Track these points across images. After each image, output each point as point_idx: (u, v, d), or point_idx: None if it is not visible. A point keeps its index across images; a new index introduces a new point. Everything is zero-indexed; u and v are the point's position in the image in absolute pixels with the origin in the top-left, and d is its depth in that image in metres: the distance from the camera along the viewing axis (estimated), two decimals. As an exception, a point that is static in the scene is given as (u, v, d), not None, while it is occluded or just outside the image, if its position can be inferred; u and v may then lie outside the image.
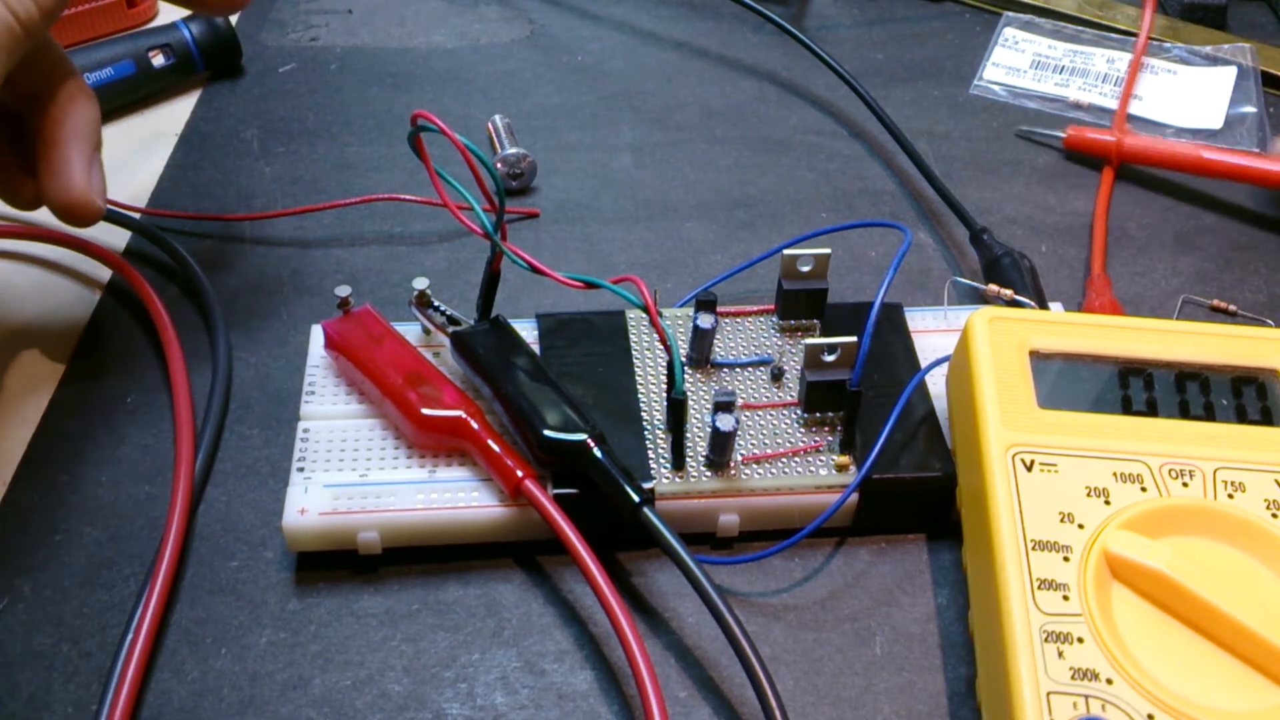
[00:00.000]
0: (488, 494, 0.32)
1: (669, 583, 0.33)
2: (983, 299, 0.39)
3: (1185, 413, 0.31)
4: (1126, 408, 0.31)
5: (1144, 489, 0.30)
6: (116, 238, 0.43)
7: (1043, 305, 0.39)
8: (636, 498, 0.31)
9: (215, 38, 0.51)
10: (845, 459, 0.33)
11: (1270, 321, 0.41)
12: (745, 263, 0.41)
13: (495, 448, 0.32)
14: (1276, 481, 0.30)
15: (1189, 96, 0.51)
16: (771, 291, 0.37)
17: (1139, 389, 0.32)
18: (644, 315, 0.36)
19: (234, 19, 0.53)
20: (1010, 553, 0.28)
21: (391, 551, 0.32)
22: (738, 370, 0.36)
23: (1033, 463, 0.30)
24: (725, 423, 0.32)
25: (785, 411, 0.34)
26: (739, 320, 0.37)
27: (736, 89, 0.52)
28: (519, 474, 0.31)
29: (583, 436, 0.32)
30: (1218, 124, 0.50)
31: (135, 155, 0.47)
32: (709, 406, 0.34)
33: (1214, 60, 0.53)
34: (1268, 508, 0.29)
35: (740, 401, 0.34)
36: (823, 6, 0.58)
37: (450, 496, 0.32)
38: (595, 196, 0.46)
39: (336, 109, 0.50)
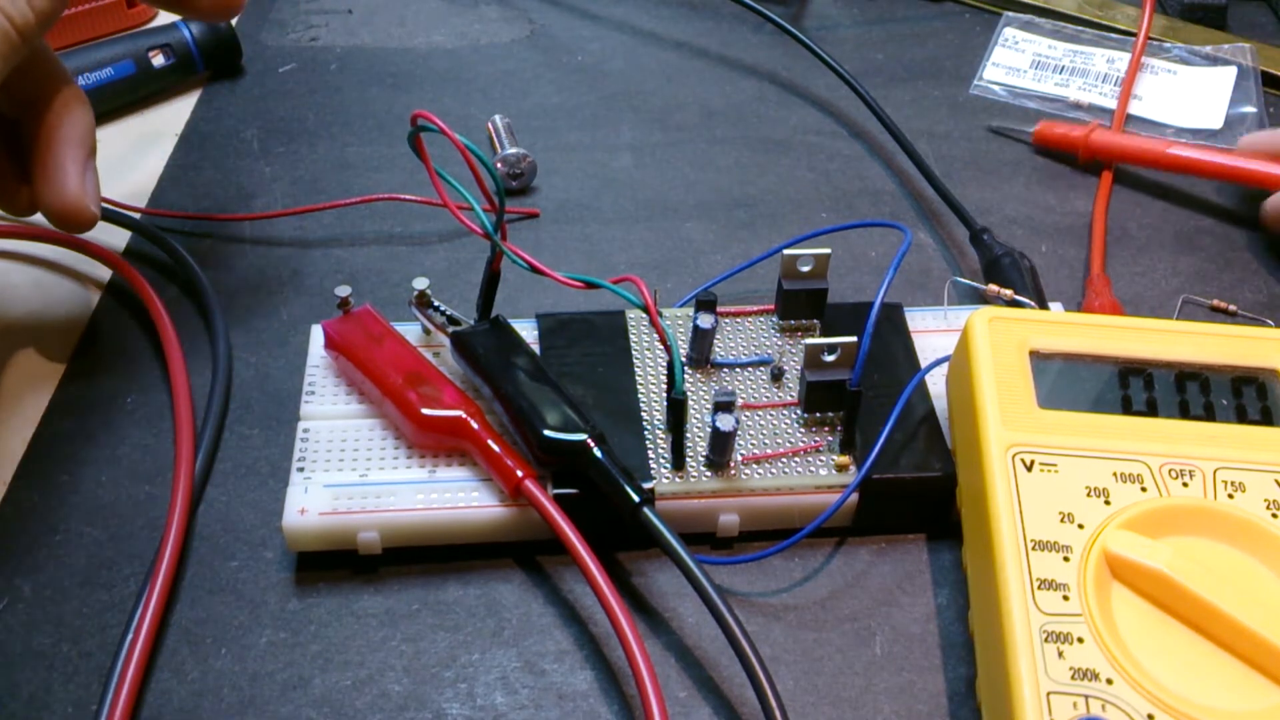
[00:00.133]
0: (488, 494, 0.32)
1: (669, 583, 0.33)
2: (983, 299, 0.39)
3: (1185, 413, 0.31)
4: (1126, 408, 0.31)
5: (1144, 489, 0.30)
6: (116, 237, 0.43)
7: (1043, 305, 0.39)
8: (636, 498, 0.31)
9: (215, 38, 0.51)
10: (845, 459, 0.33)
11: (1270, 321, 0.41)
12: (745, 263, 0.41)
13: (495, 448, 0.32)
14: (1276, 481, 0.30)
15: (1189, 96, 0.51)
16: (771, 291, 0.37)
17: (1139, 389, 0.32)
18: (644, 315, 0.36)
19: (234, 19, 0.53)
20: (1010, 553, 0.28)
21: (391, 551, 0.32)
22: (738, 370, 0.36)
23: (1033, 463, 0.30)
24: (725, 423, 0.32)
25: (785, 411, 0.34)
26: (739, 320, 0.37)
27: (736, 89, 0.52)
28: (519, 474, 0.31)
29: (583, 436, 0.32)
30: (1218, 124, 0.50)
31: (135, 155, 0.47)
32: (709, 406, 0.34)
33: (1214, 60, 0.53)
34: (1268, 508, 0.29)
35: (740, 401, 0.34)
36: (823, 6, 0.58)
37: (450, 496, 0.32)
38: (595, 196, 0.46)
39: (336, 109, 0.50)
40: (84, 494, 0.34)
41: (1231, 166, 0.45)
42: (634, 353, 0.36)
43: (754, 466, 0.33)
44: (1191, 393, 0.32)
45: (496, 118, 0.48)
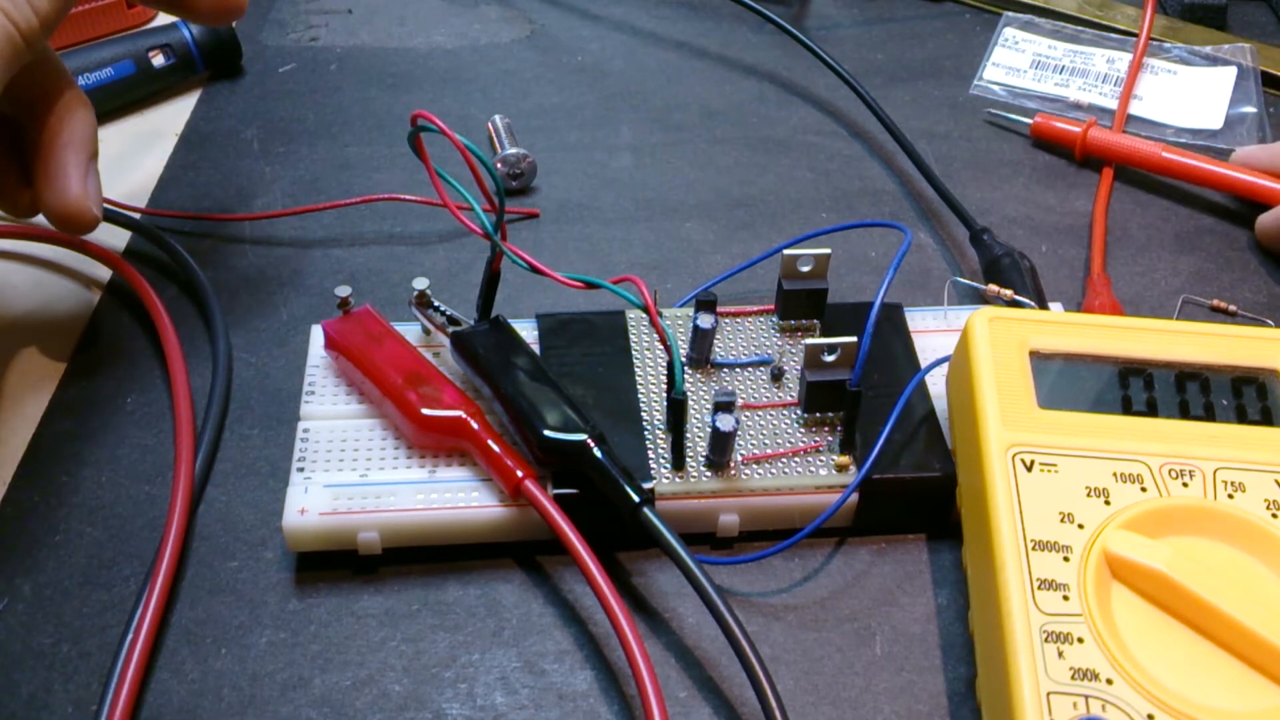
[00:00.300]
0: (488, 494, 0.32)
1: (669, 583, 0.33)
2: (983, 299, 0.39)
3: (1185, 413, 0.31)
4: (1126, 408, 0.31)
5: (1144, 489, 0.30)
6: (116, 237, 0.43)
7: (1043, 305, 0.39)
8: (636, 498, 0.31)
9: (215, 38, 0.51)
10: (845, 459, 0.33)
11: (1270, 321, 0.41)
12: (745, 263, 0.41)
13: (495, 448, 0.32)
14: (1276, 481, 0.30)
15: (1189, 96, 0.51)
16: (771, 291, 0.37)
17: (1139, 389, 0.32)
18: (644, 315, 0.36)
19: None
20: (1010, 553, 0.28)
21: (391, 551, 0.32)
22: (738, 370, 0.36)
23: (1033, 463, 0.30)
24: (725, 423, 0.32)
25: (785, 411, 0.34)
26: (739, 320, 0.37)
27: (736, 89, 0.52)
28: (519, 474, 0.31)
29: (583, 436, 0.32)
30: (1218, 124, 0.50)
31: (135, 155, 0.47)
32: (709, 406, 0.34)
33: (1214, 60, 0.53)
34: (1268, 508, 0.29)
35: (740, 401, 0.34)
36: (823, 6, 0.58)
37: (450, 496, 0.32)
38: (595, 196, 0.46)
39: (336, 109, 0.50)
40: (84, 494, 0.34)
41: (1225, 176, 0.45)
42: (634, 353, 0.36)
43: (754, 466, 0.33)
44: (1191, 393, 0.32)
45: (496, 118, 0.48)
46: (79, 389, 0.38)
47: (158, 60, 0.50)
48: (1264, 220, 0.44)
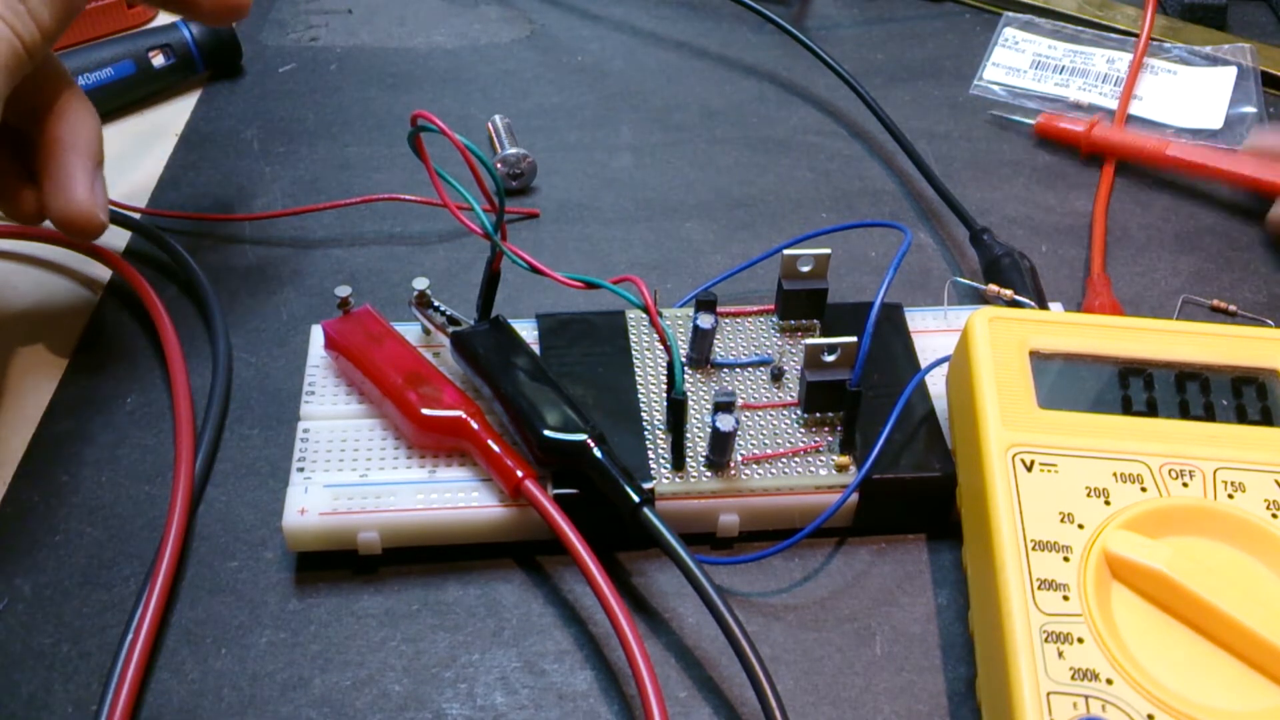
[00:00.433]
0: (488, 494, 0.32)
1: (669, 583, 0.33)
2: (983, 299, 0.39)
3: (1185, 413, 0.31)
4: (1126, 408, 0.31)
5: (1144, 489, 0.30)
6: (116, 238, 0.43)
7: (1043, 305, 0.39)
8: (636, 498, 0.31)
9: (215, 38, 0.51)
10: (845, 459, 0.33)
11: (1270, 321, 0.41)
12: (745, 263, 0.41)
13: (495, 448, 0.32)
14: (1276, 481, 0.30)
15: (1189, 96, 0.51)
16: (771, 291, 0.37)
17: (1139, 389, 0.32)
18: (644, 315, 0.36)
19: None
20: (1010, 553, 0.28)
21: (391, 551, 0.32)
22: (738, 370, 0.36)
23: (1033, 463, 0.30)
24: (725, 423, 0.32)
25: (785, 411, 0.34)
26: (739, 320, 0.37)
27: (736, 89, 0.52)
28: (519, 474, 0.31)
29: (583, 436, 0.32)
30: (1218, 124, 0.50)
31: (135, 155, 0.47)
32: (709, 406, 0.34)
33: (1214, 60, 0.53)
34: (1268, 508, 0.29)
35: (740, 401, 0.34)
36: (823, 6, 0.58)
37: (450, 496, 0.32)
38: (595, 196, 0.46)
39: (336, 109, 0.50)
40: (84, 494, 0.34)
41: (1233, 171, 0.45)
42: (634, 353, 0.36)
43: (754, 466, 0.33)
44: (1191, 393, 0.32)
45: (496, 118, 0.48)
46: (79, 389, 0.38)
47: (158, 60, 0.50)
48: (1276, 213, 0.44)
